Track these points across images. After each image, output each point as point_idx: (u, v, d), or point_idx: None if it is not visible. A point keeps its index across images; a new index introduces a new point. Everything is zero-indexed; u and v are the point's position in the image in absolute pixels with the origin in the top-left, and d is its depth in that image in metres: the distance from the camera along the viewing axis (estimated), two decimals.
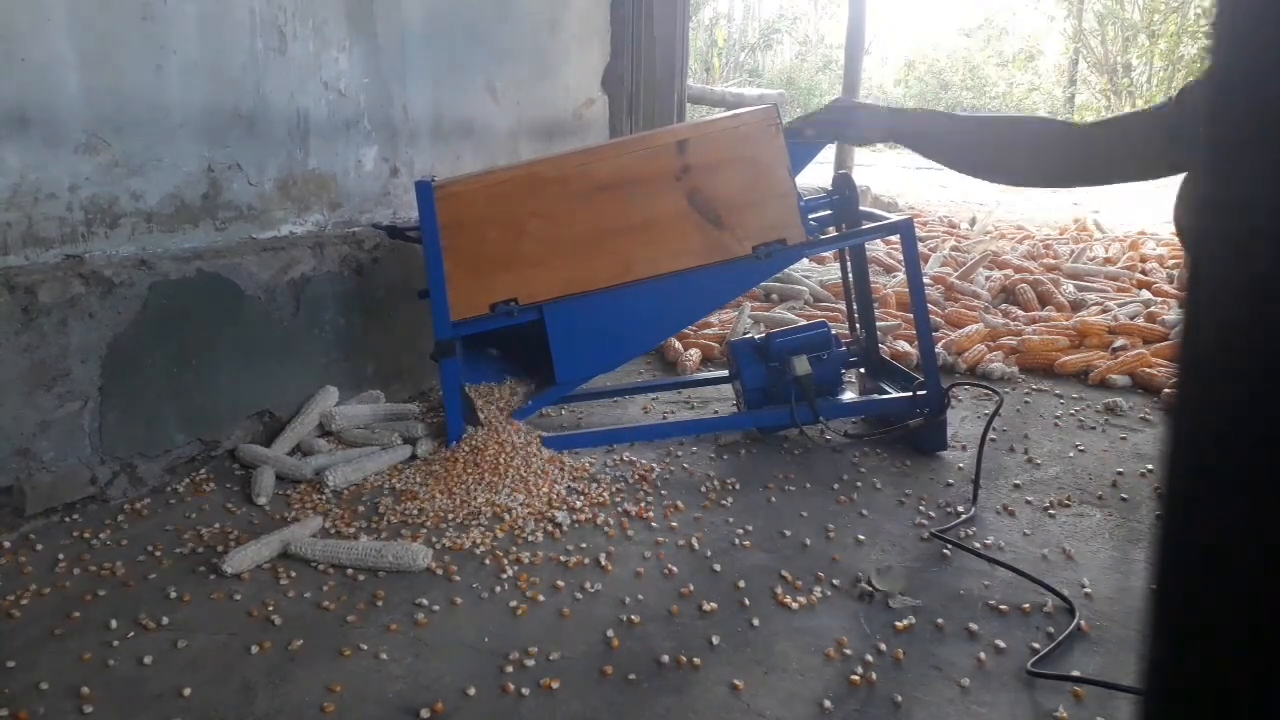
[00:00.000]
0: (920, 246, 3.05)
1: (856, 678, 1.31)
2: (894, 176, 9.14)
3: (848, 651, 1.38)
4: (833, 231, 2.28)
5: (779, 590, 1.55)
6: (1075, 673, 1.33)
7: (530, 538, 1.73)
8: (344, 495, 1.89)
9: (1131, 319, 3.17)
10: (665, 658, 1.35)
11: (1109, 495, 1.95)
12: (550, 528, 1.76)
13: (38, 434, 1.70)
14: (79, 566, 1.60)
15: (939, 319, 3.22)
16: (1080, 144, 1.76)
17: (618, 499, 1.90)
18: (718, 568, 1.63)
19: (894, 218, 2.23)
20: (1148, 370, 2.67)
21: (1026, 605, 1.50)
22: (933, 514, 1.85)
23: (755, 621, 1.46)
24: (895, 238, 2.39)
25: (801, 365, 2.09)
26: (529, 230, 2.04)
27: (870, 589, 1.54)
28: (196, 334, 1.96)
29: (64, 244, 1.82)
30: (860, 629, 1.44)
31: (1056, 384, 2.71)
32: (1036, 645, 1.40)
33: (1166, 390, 2.60)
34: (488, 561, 1.64)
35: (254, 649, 1.36)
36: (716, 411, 2.47)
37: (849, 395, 2.30)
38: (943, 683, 1.31)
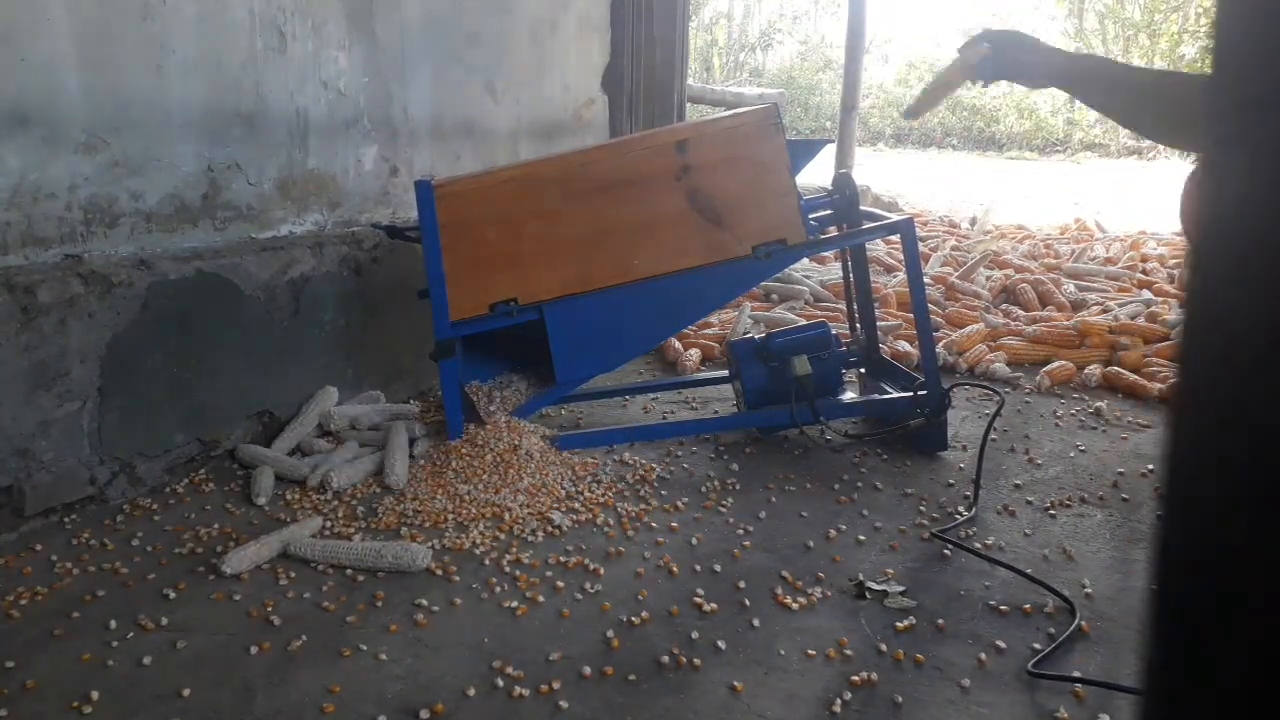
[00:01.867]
0: (920, 246, 3.05)
1: (857, 678, 1.31)
2: (894, 176, 9.14)
3: (848, 652, 1.38)
4: (833, 231, 2.27)
5: (779, 590, 1.54)
6: (1076, 673, 1.32)
7: (530, 538, 1.72)
8: (344, 495, 1.89)
9: (1132, 319, 3.16)
10: (665, 658, 1.35)
11: (1110, 495, 1.95)
12: (550, 528, 1.76)
13: (37, 434, 1.70)
14: (79, 566, 1.60)
15: (939, 319, 3.21)
16: None
17: (618, 499, 1.90)
18: (718, 568, 1.63)
19: (894, 218, 2.23)
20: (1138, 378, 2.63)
21: (1027, 605, 1.50)
22: (933, 514, 1.84)
23: (755, 622, 1.46)
24: (895, 238, 2.39)
25: (801, 365, 2.09)
26: (529, 230, 2.03)
27: (868, 589, 1.54)
28: (196, 334, 1.96)
29: (63, 244, 1.81)
30: (860, 629, 1.44)
31: (1057, 384, 2.71)
32: (1037, 645, 1.39)
33: (1163, 390, 2.58)
34: (487, 562, 1.64)
35: (254, 649, 1.36)
36: (716, 411, 2.47)
37: (849, 395, 2.30)
38: (943, 683, 1.31)
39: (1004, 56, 1.85)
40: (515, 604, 1.50)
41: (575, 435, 2.15)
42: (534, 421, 2.19)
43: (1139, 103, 1.69)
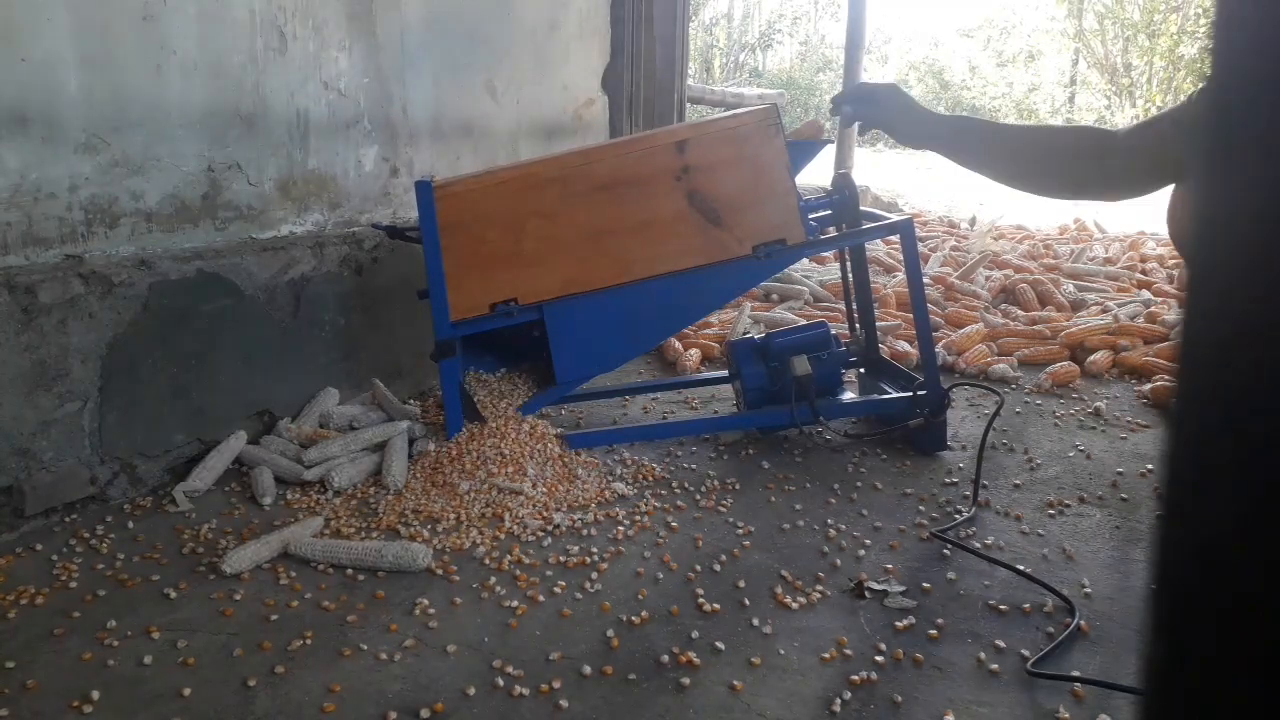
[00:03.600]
0: (920, 246, 3.05)
1: (856, 678, 1.31)
2: (894, 176, 9.13)
3: (848, 651, 1.38)
4: (833, 231, 2.27)
5: (779, 590, 1.55)
6: (1075, 673, 1.33)
7: (530, 538, 1.72)
8: (344, 495, 1.89)
9: (1132, 319, 3.16)
10: (665, 657, 1.35)
11: (1109, 495, 1.95)
12: (550, 527, 1.76)
13: (38, 434, 1.70)
14: (79, 567, 1.60)
15: (939, 319, 3.21)
16: (1110, 151, 1.56)
17: (618, 499, 1.90)
18: (718, 568, 1.63)
19: (894, 218, 2.23)
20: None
21: (1026, 605, 1.50)
22: (933, 514, 1.85)
23: (755, 621, 1.46)
24: (895, 238, 2.39)
25: (801, 365, 2.09)
26: (529, 230, 2.03)
27: (868, 589, 1.54)
28: (196, 334, 1.96)
29: (64, 244, 1.82)
30: (860, 629, 1.44)
31: (1056, 383, 2.71)
32: (1037, 645, 1.40)
33: (1153, 387, 2.58)
34: (488, 561, 1.64)
35: (254, 649, 1.36)
36: (716, 411, 2.47)
37: (849, 395, 2.30)
38: (943, 682, 1.31)
39: (874, 109, 1.88)
40: (515, 604, 1.50)
41: (576, 435, 2.15)
42: (534, 421, 2.19)
43: (1026, 158, 1.68)
